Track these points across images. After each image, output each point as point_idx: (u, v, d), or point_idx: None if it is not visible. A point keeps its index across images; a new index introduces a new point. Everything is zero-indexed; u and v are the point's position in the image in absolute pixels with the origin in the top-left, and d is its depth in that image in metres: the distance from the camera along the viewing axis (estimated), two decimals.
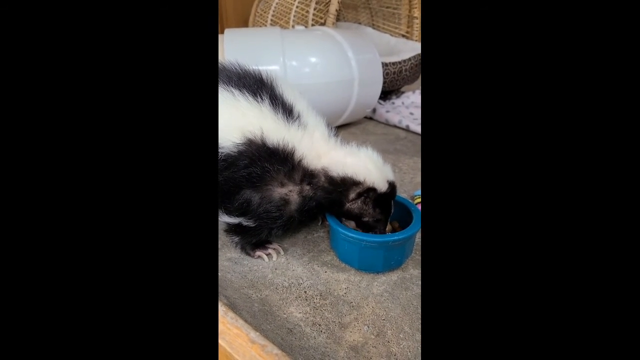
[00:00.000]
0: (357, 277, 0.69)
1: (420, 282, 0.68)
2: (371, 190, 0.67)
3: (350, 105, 1.29)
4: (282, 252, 0.74)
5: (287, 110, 0.68)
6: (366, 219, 0.69)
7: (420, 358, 0.54)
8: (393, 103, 1.61)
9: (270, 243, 0.74)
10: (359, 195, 0.67)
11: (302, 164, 0.66)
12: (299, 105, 0.71)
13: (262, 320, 0.59)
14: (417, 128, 1.35)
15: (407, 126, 1.37)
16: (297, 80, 1.15)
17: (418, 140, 1.31)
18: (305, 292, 0.66)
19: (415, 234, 0.69)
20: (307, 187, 0.67)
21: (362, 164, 0.67)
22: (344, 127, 1.40)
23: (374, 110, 1.49)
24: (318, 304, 0.63)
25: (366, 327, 0.59)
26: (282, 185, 0.66)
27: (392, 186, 0.69)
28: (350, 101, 1.28)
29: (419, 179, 1.06)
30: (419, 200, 0.92)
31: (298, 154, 0.66)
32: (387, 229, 0.74)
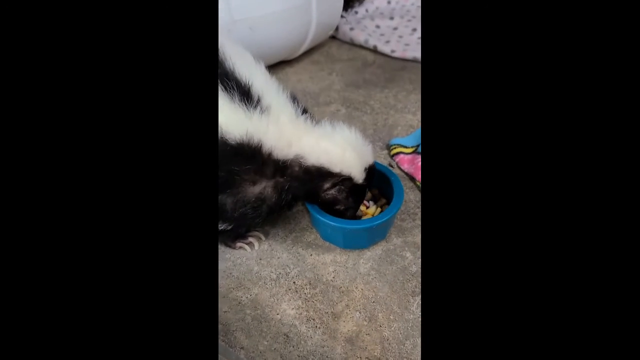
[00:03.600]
0: (343, 257, 0.69)
1: (403, 253, 0.70)
2: (347, 180, 0.63)
3: (311, 31, 1.14)
4: (263, 238, 0.72)
5: (244, 93, 0.58)
6: (338, 206, 0.66)
7: (410, 338, 0.58)
8: (356, 13, 1.44)
9: (250, 232, 0.71)
10: (333, 185, 0.63)
11: (272, 157, 0.60)
12: (257, 80, 0.60)
13: (258, 336, 0.59)
14: (385, 48, 1.23)
15: (375, 46, 1.25)
16: (246, 14, 0.98)
17: (388, 64, 1.21)
18: (295, 282, 0.66)
19: (397, 212, 0.68)
20: (281, 180, 0.62)
21: (339, 151, 0.62)
22: (306, 55, 1.26)
23: (337, 29, 1.33)
24: (309, 295, 0.64)
25: (358, 313, 0.62)
26: (255, 183, 0.61)
27: (370, 174, 0.65)
28: (310, 26, 1.12)
29: (393, 119, 1.00)
30: (397, 150, 0.88)
31: (266, 147, 0.59)
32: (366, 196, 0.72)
